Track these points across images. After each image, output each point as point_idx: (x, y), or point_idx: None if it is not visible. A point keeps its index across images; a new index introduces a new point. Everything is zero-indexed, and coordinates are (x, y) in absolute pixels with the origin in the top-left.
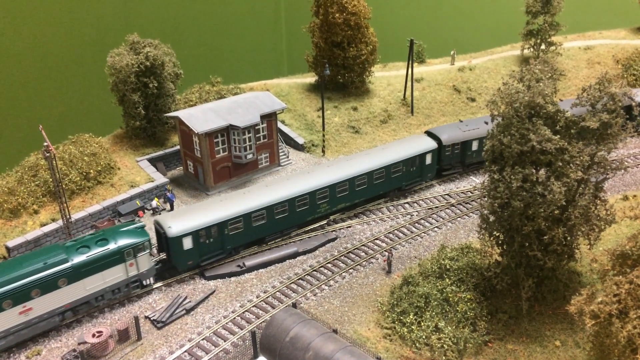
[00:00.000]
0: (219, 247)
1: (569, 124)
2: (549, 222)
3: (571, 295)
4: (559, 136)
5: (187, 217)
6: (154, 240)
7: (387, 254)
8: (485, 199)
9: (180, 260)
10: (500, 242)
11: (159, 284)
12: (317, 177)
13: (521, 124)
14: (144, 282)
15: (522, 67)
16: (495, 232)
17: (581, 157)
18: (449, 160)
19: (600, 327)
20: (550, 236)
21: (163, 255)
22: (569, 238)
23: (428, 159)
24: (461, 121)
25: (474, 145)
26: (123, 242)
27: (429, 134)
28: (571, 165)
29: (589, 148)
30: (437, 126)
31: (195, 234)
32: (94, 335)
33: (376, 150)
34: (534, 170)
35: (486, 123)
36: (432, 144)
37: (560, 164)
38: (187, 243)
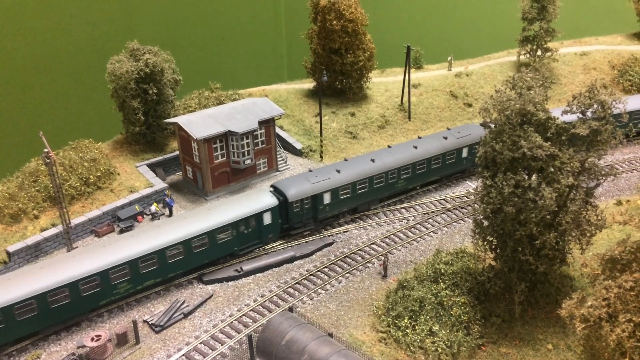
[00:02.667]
0: None
1: (559, 130)
2: (541, 227)
3: (563, 299)
4: (549, 143)
5: None
6: None
7: (383, 258)
8: (479, 204)
9: None
10: (493, 246)
11: None
12: (113, 252)
13: (513, 131)
14: None
15: (514, 75)
16: (488, 237)
17: (572, 164)
18: (299, 218)
19: (591, 331)
20: (542, 241)
21: None
22: (560, 243)
23: (267, 219)
24: (310, 171)
25: (326, 198)
26: None
27: (275, 188)
28: (562, 171)
29: (580, 154)
30: (284, 179)
31: None
32: (92, 339)
33: (199, 212)
34: (525, 176)
35: (338, 171)
36: (270, 201)
37: (552, 170)
38: None
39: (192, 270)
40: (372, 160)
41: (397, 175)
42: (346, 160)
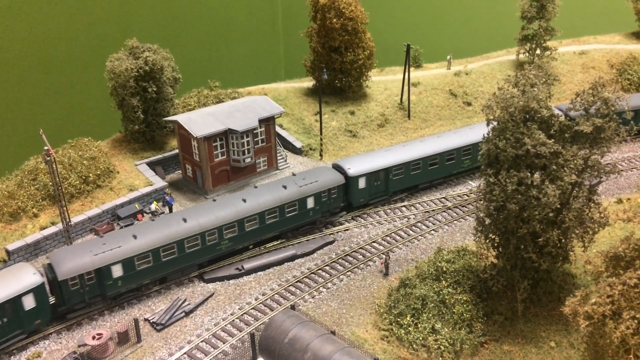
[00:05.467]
0: None
1: (563, 128)
2: (544, 224)
3: (566, 296)
4: (553, 140)
5: None
6: None
7: (384, 256)
8: (482, 202)
9: None
10: (495, 244)
11: None
12: None
13: (516, 128)
14: None
15: (517, 72)
16: (491, 235)
17: (575, 161)
18: (80, 297)
19: (594, 328)
20: (545, 238)
21: None
22: (563, 240)
23: (29, 302)
24: (101, 236)
25: (117, 271)
26: None
27: (49, 264)
28: (565, 168)
29: (583, 152)
30: (61, 249)
31: None
32: (93, 338)
33: None
34: (528, 174)
35: (134, 237)
36: (31, 280)
37: (555, 167)
38: None
39: None
40: (184, 220)
41: (219, 235)
42: (153, 219)
